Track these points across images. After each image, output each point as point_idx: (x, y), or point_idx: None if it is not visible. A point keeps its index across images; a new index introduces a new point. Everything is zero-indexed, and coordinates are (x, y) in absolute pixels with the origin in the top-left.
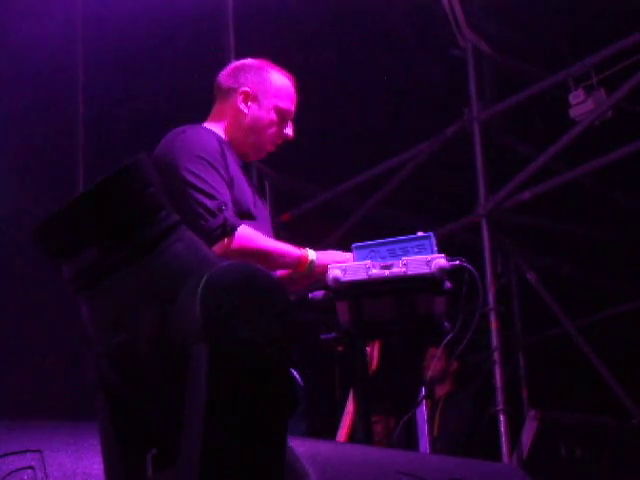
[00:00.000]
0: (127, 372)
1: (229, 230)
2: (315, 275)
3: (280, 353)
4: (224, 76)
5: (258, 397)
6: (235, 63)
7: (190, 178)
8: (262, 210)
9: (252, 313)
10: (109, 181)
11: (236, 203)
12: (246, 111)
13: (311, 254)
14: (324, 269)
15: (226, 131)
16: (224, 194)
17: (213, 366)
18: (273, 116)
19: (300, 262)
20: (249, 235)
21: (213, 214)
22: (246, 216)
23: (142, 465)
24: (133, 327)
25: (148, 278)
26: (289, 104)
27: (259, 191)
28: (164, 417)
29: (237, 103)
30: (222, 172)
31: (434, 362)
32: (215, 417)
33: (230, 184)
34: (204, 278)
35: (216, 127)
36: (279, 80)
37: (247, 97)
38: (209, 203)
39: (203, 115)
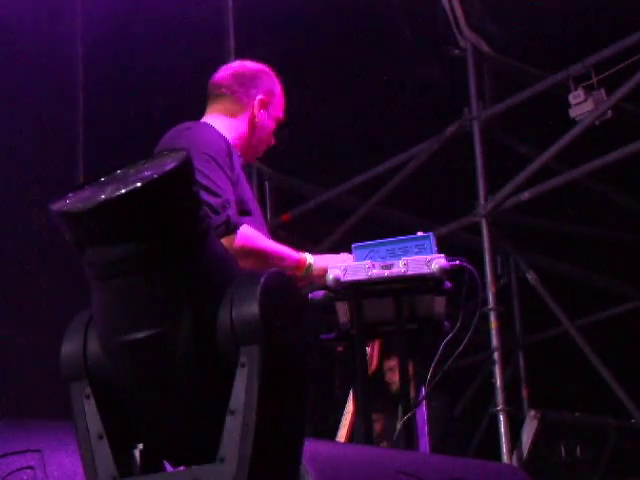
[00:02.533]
0: (149, 364)
1: (232, 228)
2: (312, 278)
3: (309, 356)
4: (236, 76)
5: (296, 395)
6: (244, 66)
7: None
8: (258, 209)
9: (294, 319)
10: (169, 175)
11: (240, 202)
12: (259, 117)
13: (309, 258)
14: (322, 273)
15: (230, 130)
16: (228, 193)
17: (267, 366)
18: (273, 124)
19: (298, 265)
20: (251, 235)
21: (216, 211)
22: (247, 214)
23: (130, 459)
24: (168, 321)
25: (192, 275)
26: (282, 113)
27: (256, 189)
28: (178, 413)
29: (253, 108)
30: (228, 171)
31: (394, 374)
32: (266, 414)
33: (235, 183)
34: (260, 283)
35: (218, 125)
36: (279, 91)
37: (262, 104)
38: (213, 200)
39: (202, 114)
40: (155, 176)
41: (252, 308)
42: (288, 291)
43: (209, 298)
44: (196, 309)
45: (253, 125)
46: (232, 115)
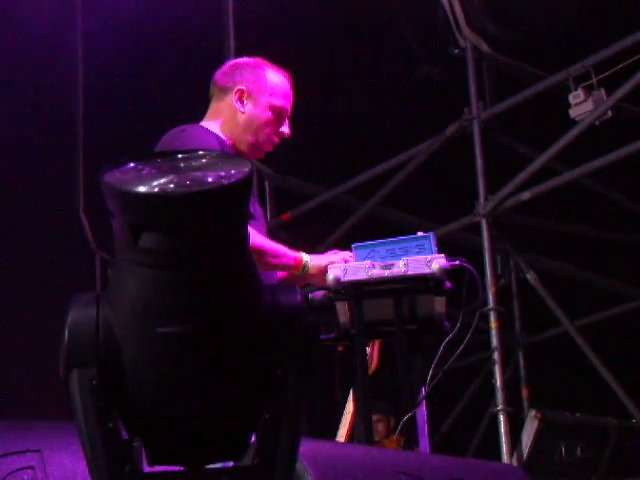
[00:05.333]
0: (187, 359)
1: None
2: (309, 277)
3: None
4: (220, 74)
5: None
6: (231, 62)
7: None
8: (257, 209)
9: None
10: (247, 178)
11: None
12: (242, 109)
13: (305, 257)
14: (318, 271)
15: (223, 129)
16: None
17: (304, 373)
18: (269, 114)
19: (295, 264)
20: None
21: None
22: None
23: (137, 454)
24: (215, 319)
25: (240, 278)
26: (285, 102)
27: (256, 189)
28: (206, 412)
29: (233, 101)
30: None
31: (378, 425)
32: (298, 421)
33: None
34: (300, 295)
35: (213, 126)
36: (275, 78)
37: (242, 95)
38: None
39: (203, 115)
40: (236, 180)
41: (298, 320)
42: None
43: (252, 301)
44: (240, 310)
45: (241, 118)
46: (223, 113)
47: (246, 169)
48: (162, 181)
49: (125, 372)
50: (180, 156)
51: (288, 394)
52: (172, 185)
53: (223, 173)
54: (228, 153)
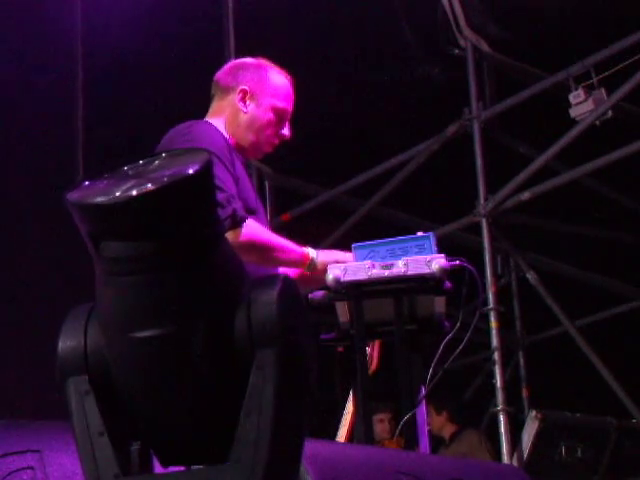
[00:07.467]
0: (162, 362)
1: (238, 221)
2: (316, 274)
3: (314, 358)
4: (223, 74)
5: (302, 396)
6: (234, 62)
7: None
8: (260, 207)
9: (303, 321)
10: (195, 176)
11: (241, 200)
12: (244, 109)
13: (312, 252)
14: (325, 267)
15: (226, 128)
16: (231, 188)
17: (282, 368)
18: (271, 115)
19: (302, 260)
20: (256, 229)
21: (222, 205)
22: (250, 213)
23: (130, 457)
24: (184, 320)
25: (208, 276)
26: (287, 104)
27: (256, 189)
28: (189, 412)
29: (235, 101)
30: (230, 168)
31: (379, 425)
32: (280, 416)
33: (236, 181)
34: (278, 286)
35: (218, 123)
36: (277, 79)
37: (245, 95)
38: (217, 195)
39: (203, 115)
40: (181, 176)
41: (271, 312)
42: (297, 294)
43: (225, 299)
44: (212, 309)
45: (243, 118)
46: (225, 112)
47: (195, 165)
48: (117, 190)
49: (113, 378)
50: (126, 167)
51: (264, 392)
52: (118, 193)
53: (170, 172)
54: (182, 149)
